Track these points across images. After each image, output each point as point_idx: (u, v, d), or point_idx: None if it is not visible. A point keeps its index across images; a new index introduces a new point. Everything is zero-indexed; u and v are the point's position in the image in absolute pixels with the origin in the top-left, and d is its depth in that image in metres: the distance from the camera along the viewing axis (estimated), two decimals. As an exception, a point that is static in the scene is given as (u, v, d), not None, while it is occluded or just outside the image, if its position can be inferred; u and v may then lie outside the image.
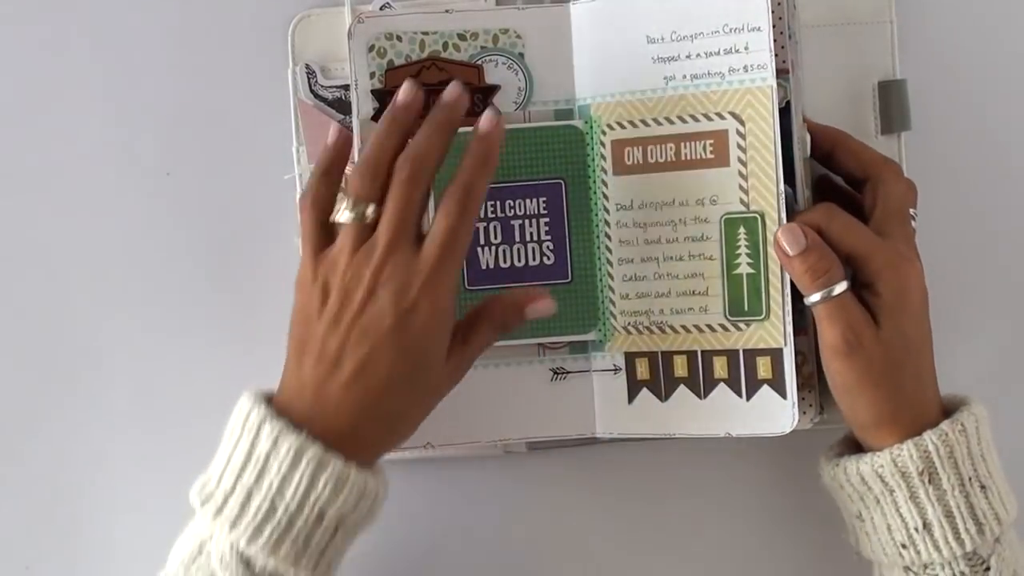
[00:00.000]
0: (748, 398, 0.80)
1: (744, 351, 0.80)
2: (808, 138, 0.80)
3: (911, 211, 0.81)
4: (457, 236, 0.75)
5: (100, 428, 0.89)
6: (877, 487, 0.77)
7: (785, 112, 0.79)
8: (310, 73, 0.86)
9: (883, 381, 0.76)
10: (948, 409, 0.78)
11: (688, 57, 0.80)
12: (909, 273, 0.77)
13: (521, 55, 0.83)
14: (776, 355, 0.79)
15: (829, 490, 0.82)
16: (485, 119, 0.77)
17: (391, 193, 0.75)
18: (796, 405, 0.79)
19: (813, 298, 0.77)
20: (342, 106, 0.86)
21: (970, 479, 0.76)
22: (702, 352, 0.81)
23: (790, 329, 0.78)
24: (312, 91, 0.86)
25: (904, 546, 0.77)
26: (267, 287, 0.89)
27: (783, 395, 0.79)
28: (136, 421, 0.89)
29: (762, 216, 0.79)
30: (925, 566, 0.77)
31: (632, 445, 0.87)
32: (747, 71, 0.78)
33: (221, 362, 0.89)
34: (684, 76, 0.80)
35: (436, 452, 0.84)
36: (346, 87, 0.85)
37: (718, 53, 0.79)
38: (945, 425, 0.76)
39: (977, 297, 0.90)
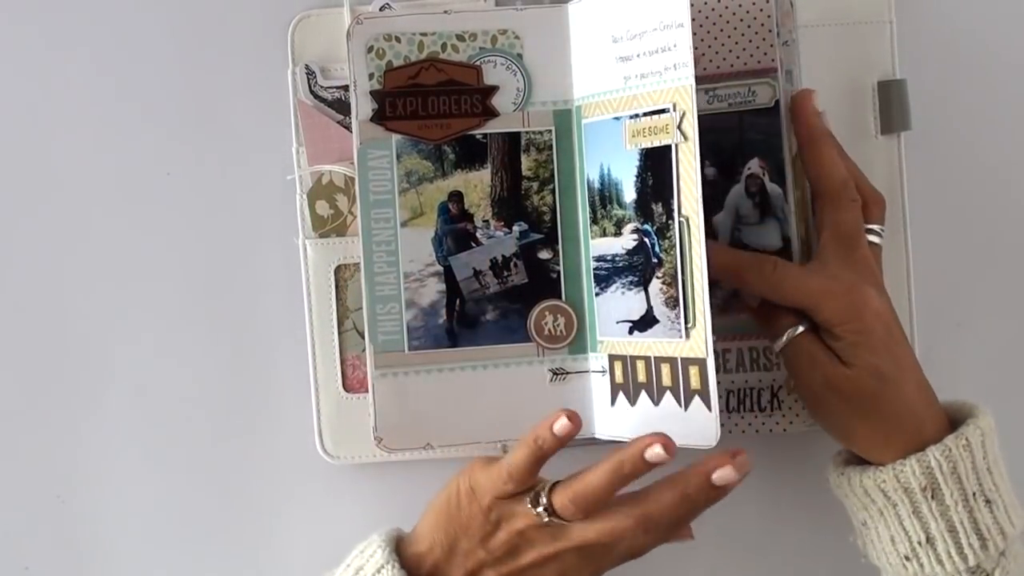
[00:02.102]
0: (686, 408, 0.76)
1: (681, 359, 0.76)
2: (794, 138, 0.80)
3: (877, 227, 0.80)
4: (615, 535, 0.73)
5: (100, 428, 0.89)
6: (880, 500, 0.77)
7: (774, 111, 0.78)
8: (310, 74, 0.86)
9: (866, 414, 0.76)
10: (954, 418, 0.78)
11: (639, 56, 0.77)
12: (862, 308, 0.76)
13: (520, 56, 0.83)
14: (702, 365, 0.75)
15: (837, 496, 0.82)
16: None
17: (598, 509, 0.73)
18: (718, 418, 0.74)
19: (778, 345, 0.77)
20: (342, 106, 0.86)
21: (974, 494, 0.76)
22: (655, 358, 0.78)
23: (711, 339, 0.74)
24: (312, 91, 0.86)
25: (907, 558, 0.77)
26: (266, 288, 0.88)
27: (708, 407, 0.74)
28: (136, 421, 0.89)
29: (688, 220, 0.75)
30: None
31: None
32: (676, 69, 0.75)
33: (220, 360, 0.89)
34: (637, 75, 0.78)
35: (437, 453, 0.84)
36: (346, 88, 0.85)
37: (657, 51, 0.76)
38: (949, 440, 0.76)
39: (976, 296, 0.90)
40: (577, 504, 0.72)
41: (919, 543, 0.76)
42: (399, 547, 0.77)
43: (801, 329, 0.76)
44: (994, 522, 0.76)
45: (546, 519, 0.73)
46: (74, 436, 0.89)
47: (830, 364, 0.75)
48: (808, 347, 0.76)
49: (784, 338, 0.76)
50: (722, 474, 0.71)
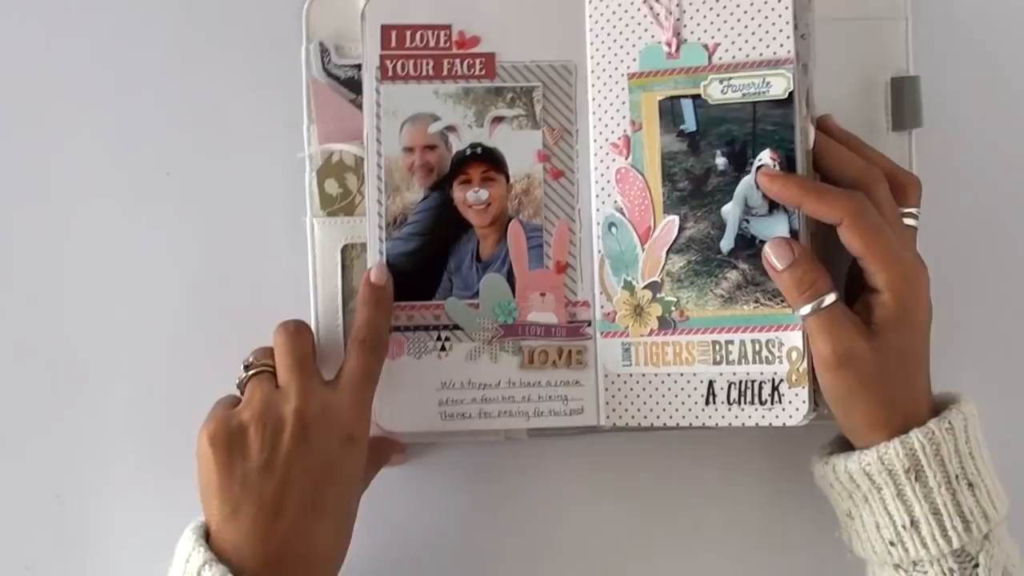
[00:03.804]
0: None
1: None
2: (812, 131, 0.80)
3: (913, 210, 0.80)
4: (369, 373, 0.79)
5: (100, 428, 0.89)
6: (865, 485, 0.78)
7: (788, 103, 0.79)
8: (324, 51, 0.86)
9: (874, 390, 0.77)
10: (939, 408, 0.79)
11: None
12: (919, 288, 0.77)
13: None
14: None
15: (821, 488, 0.82)
16: (375, 272, 0.82)
17: (278, 347, 0.79)
18: None
19: (803, 311, 0.77)
20: (355, 85, 0.85)
21: (957, 477, 0.77)
22: None
23: None
24: (325, 69, 0.86)
25: (892, 544, 0.77)
26: (275, 273, 0.89)
27: None
28: (136, 421, 0.89)
29: None
30: (914, 563, 0.77)
31: (630, 433, 0.87)
32: None
33: (222, 362, 0.86)
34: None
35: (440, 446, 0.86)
36: (360, 66, 0.85)
37: None
38: (932, 423, 0.76)
39: (985, 295, 0.90)
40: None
41: (903, 527, 0.77)
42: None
43: (835, 297, 0.76)
44: (977, 505, 0.77)
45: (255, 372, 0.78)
46: (74, 436, 0.89)
47: (858, 336, 0.76)
48: (839, 316, 0.76)
49: (814, 304, 0.76)
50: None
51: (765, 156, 0.79)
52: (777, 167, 0.79)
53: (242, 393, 0.79)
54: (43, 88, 0.89)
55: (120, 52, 0.89)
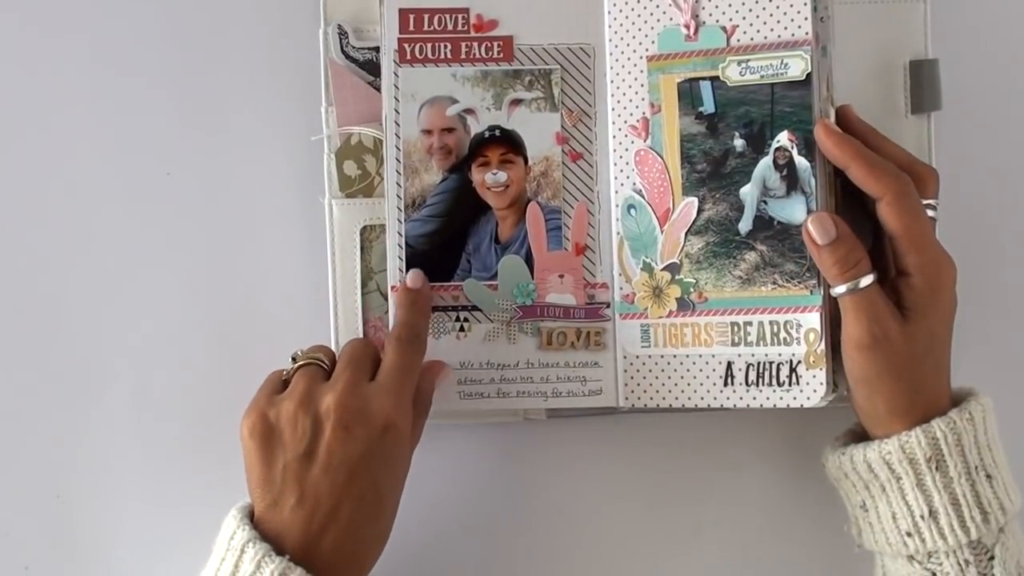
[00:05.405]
0: None
1: None
2: (832, 114, 0.80)
3: (932, 201, 0.80)
4: (408, 366, 0.79)
5: (100, 428, 0.89)
6: (884, 474, 0.78)
7: (806, 84, 0.79)
8: (342, 34, 0.86)
9: (903, 375, 0.76)
10: (957, 399, 0.79)
11: None
12: (949, 275, 0.77)
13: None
14: None
15: (833, 480, 0.82)
16: (411, 277, 0.82)
17: (347, 348, 0.80)
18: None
19: (839, 290, 0.77)
20: (373, 68, 0.86)
21: (976, 468, 0.77)
22: None
23: None
24: (344, 52, 0.86)
25: (909, 534, 0.77)
26: (286, 249, 0.89)
27: None
28: (136, 421, 0.89)
29: None
30: (929, 554, 0.77)
31: (649, 414, 0.87)
32: None
33: (224, 359, 0.89)
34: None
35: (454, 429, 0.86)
36: (378, 49, 0.85)
37: None
38: (954, 413, 0.76)
39: (1004, 281, 0.90)
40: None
41: (922, 517, 0.77)
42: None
43: (873, 278, 0.76)
44: (995, 497, 0.77)
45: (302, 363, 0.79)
46: (73, 436, 0.89)
47: (892, 319, 0.76)
48: (876, 297, 0.76)
49: (852, 284, 0.76)
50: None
51: (783, 138, 0.79)
52: (795, 148, 0.79)
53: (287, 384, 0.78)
54: (44, 82, 0.89)
55: (133, 29, 0.89)
